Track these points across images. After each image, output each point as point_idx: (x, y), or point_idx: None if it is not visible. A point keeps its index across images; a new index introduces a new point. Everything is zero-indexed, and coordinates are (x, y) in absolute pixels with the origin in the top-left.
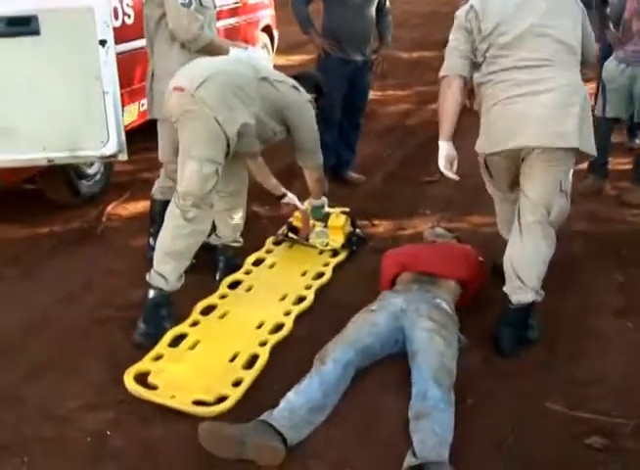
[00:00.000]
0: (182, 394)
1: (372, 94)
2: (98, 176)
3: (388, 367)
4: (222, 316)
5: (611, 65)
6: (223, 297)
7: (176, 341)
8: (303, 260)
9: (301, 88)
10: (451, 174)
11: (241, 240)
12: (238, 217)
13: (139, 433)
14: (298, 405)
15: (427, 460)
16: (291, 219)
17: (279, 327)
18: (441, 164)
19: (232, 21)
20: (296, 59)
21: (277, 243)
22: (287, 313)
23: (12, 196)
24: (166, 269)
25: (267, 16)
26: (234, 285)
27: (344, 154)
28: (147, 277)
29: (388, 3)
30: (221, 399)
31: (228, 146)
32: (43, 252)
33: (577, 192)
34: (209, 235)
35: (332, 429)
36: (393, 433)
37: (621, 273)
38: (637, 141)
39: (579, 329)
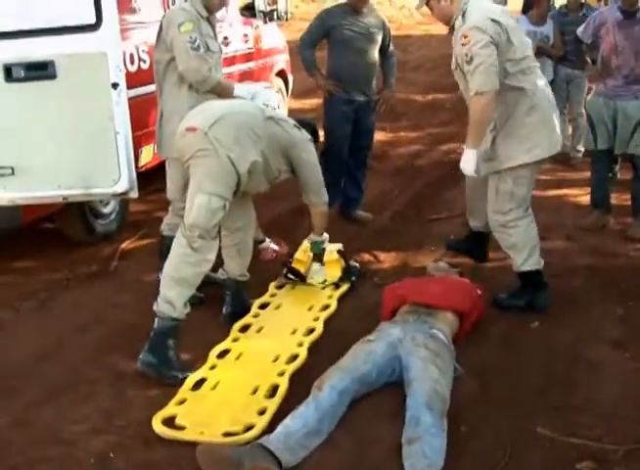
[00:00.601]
0: (211, 429)
1: (384, 135)
2: (113, 215)
3: (385, 395)
4: (238, 357)
5: (593, 100)
6: (235, 340)
7: (197, 386)
8: (308, 297)
9: (302, 129)
10: (475, 174)
11: (247, 274)
12: (244, 253)
13: (141, 456)
14: (294, 430)
15: None
16: (290, 261)
17: (294, 358)
18: (470, 169)
19: (247, 65)
20: (309, 103)
21: (279, 287)
22: (300, 345)
23: (31, 234)
24: (173, 295)
25: (282, 61)
26: (244, 329)
27: (352, 192)
28: (154, 307)
29: (391, 46)
30: (249, 429)
31: (238, 183)
32: (58, 287)
33: (581, 227)
34: (216, 270)
35: (326, 452)
36: (386, 458)
37: (621, 306)
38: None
39: (575, 358)
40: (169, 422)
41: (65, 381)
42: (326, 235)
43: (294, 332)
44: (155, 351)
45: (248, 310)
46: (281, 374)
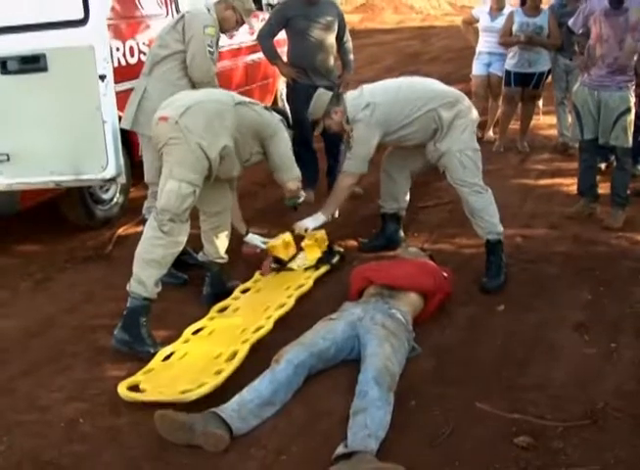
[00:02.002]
0: (169, 388)
1: None
2: (113, 201)
3: (341, 370)
4: (210, 333)
5: (579, 90)
6: (212, 319)
7: (167, 358)
8: (287, 280)
9: (273, 111)
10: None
11: (225, 257)
12: (222, 236)
13: (107, 421)
14: (248, 400)
15: (353, 450)
16: (269, 251)
17: (260, 329)
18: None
19: (251, 57)
20: None
21: (265, 273)
22: (268, 317)
23: (34, 218)
24: (144, 275)
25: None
26: (223, 310)
27: (334, 167)
28: (127, 286)
29: (347, 33)
30: (203, 386)
31: (209, 169)
32: (55, 268)
33: (567, 216)
34: (197, 252)
35: (278, 421)
36: (334, 428)
37: (591, 292)
38: (602, 165)
39: (534, 341)
40: (135, 389)
41: (48, 355)
42: (302, 193)
43: (266, 308)
44: (128, 328)
45: (228, 292)
46: (244, 342)
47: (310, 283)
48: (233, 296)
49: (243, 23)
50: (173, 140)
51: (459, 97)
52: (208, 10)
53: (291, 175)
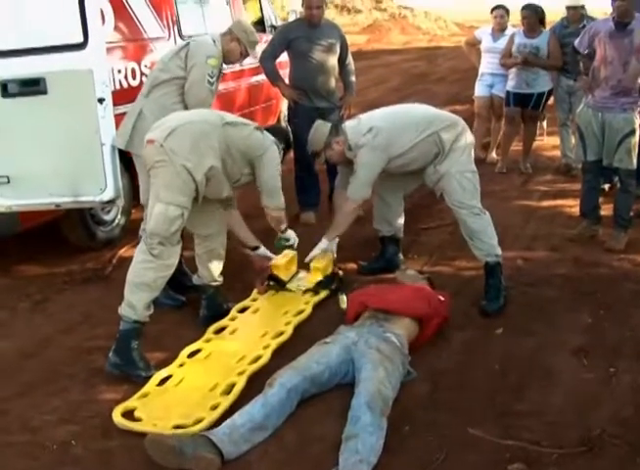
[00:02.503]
0: (163, 421)
1: None
2: (115, 222)
3: (335, 394)
4: (207, 357)
5: (583, 111)
6: (208, 341)
7: (163, 382)
8: (285, 302)
9: (265, 132)
10: None
11: (219, 279)
12: (216, 260)
13: (99, 444)
14: (240, 424)
15: None
16: (270, 268)
17: (258, 359)
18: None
19: (255, 79)
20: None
21: (263, 291)
22: (265, 347)
23: (35, 238)
24: (134, 299)
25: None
26: (220, 330)
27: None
28: (119, 310)
29: (349, 55)
30: (199, 423)
31: (196, 191)
32: (54, 289)
33: (569, 238)
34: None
35: (269, 446)
36: (325, 453)
37: (591, 315)
38: (606, 186)
39: (532, 365)
40: (129, 414)
41: (43, 376)
42: (291, 233)
43: (264, 335)
44: (120, 352)
45: (224, 313)
46: (241, 373)
47: (309, 309)
48: (230, 316)
49: (247, 54)
50: (159, 163)
51: (456, 120)
52: (214, 41)
53: (272, 203)
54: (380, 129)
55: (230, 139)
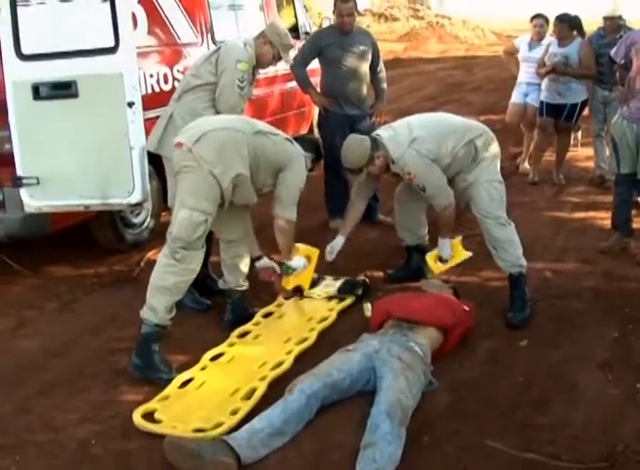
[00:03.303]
0: (183, 424)
1: None
2: (144, 225)
3: (355, 402)
4: (229, 361)
5: (618, 122)
6: (232, 345)
7: (185, 384)
8: (311, 309)
9: (296, 143)
10: None
11: (245, 284)
12: (242, 265)
13: (119, 445)
14: (259, 429)
15: None
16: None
17: (280, 365)
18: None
19: (288, 85)
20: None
21: (287, 298)
22: (288, 352)
23: (66, 240)
24: (155, 303)
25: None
26: (244, 335)
27: (369, 202)
28: (140, 313)
29: (381, 62)
30: (218, 427)
31: (222, 197)
32: (83, 290)
33: (600, 250)
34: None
35: (287, 452)
36: (344, 461)
37: (618, 329)
38: (639, 198)
39: (556, 378)
40: (150, 416)
41: (67, 375)
42: (301, 261)
43: (287, 340)
44: (141, 354)
45: (248, 318)
46: (262, 379)
47: (334, 316)
48: (254, 321)
49: (280, 58)
50: (187, 168)
51: (486, 129)
52: (245, 45)
53: (285, 213)
54: (424, 138)
55: (259, 148)
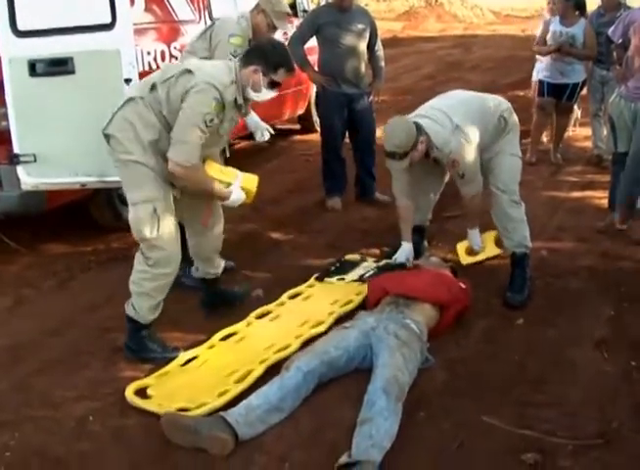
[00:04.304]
0: (169, 401)
1: None
2: None
3: (352, 379)
4: (239, 341)
5: (615, 101)
6: (249, 325)
7: (188, 362)
8: (338, 291)
9: (200, 70)
10: None
11: (217, 271)
12: (210, 253)
13: (116, 421)
14: (256, 405)
15: (355, 460)
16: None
17: (285, 348)
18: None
19: None
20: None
21: (319, 278)
22: (298, 336)
23: (63, 218)
24: (137, 304)
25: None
26: (264, 315)
27: (366, 180)
28: (125, 305)
29: (378, 41)
30: (202, 407)
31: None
32: (80, 268)
33: (597, 230)
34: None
35: (285, 429)
36: (340, 437)
37: (615, 308)
38: None
39: (552, 356)
40: (143, 391)
41: (65, 353)
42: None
43: (303, 323)
44: (131, 339)
45: (227, 302)
46: (262, 362)
47: (359, 299)
48: (279, 301)
49: (275, 27)
50: (114, 163)
51: (508, 103)
52: (241, 18)
53: (173, 154)
54: (466, 124)
55: (161, 104)
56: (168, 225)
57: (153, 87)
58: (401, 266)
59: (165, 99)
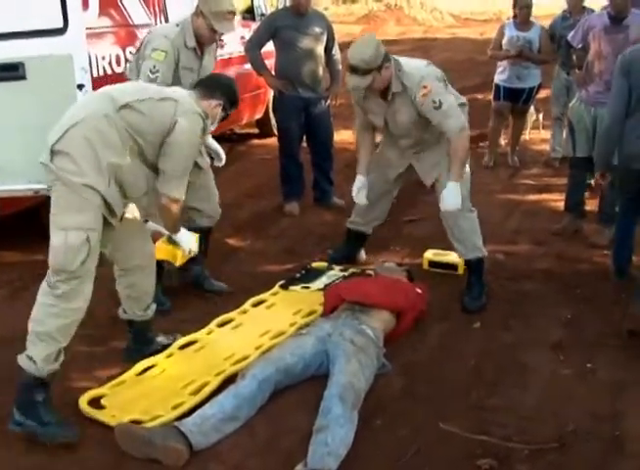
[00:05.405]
0: (122, 413)
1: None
2: None
3: (308, 386)
4: (198, 350)
5: (575, 105)
6: (209, 333)
7: (145, 371)
8: (302, 301)
9: (183, 99)
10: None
11: (146, 314)
12: (141, 294)
13: None
14: (210, 414)
15: (311, 468)
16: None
17: (244, 359)
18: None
19: (243, 67)
20: None
21: (284, 286)
22: (257, 347)
23: (13, 226)
24: (34, 352)
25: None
26: (225, 323)
27: (323, 185)
28: (18, 357)
29: (335, 45)
30: (155, 420)
31: (106, 203)
32: (32, 276)
33: (552, 232)
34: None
35: (240, 437)
36: (296, 445)
37: (571, 310)
38: (592, 181)
39: (508, 360)
40: (97, 401)
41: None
42: (183, 232)
43: (264, 333)
44: (22, 407)
45: (152, 350)
46: (218, 374)
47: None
48: (241, 309)
49: (215, 31)
50: (50, 184)
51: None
52: (176, 25)
53: (168, 189)
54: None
55: (131, 126)
56: (94, 260)
57: (124, 107)
58: (364, 275)
59: (139, 122)
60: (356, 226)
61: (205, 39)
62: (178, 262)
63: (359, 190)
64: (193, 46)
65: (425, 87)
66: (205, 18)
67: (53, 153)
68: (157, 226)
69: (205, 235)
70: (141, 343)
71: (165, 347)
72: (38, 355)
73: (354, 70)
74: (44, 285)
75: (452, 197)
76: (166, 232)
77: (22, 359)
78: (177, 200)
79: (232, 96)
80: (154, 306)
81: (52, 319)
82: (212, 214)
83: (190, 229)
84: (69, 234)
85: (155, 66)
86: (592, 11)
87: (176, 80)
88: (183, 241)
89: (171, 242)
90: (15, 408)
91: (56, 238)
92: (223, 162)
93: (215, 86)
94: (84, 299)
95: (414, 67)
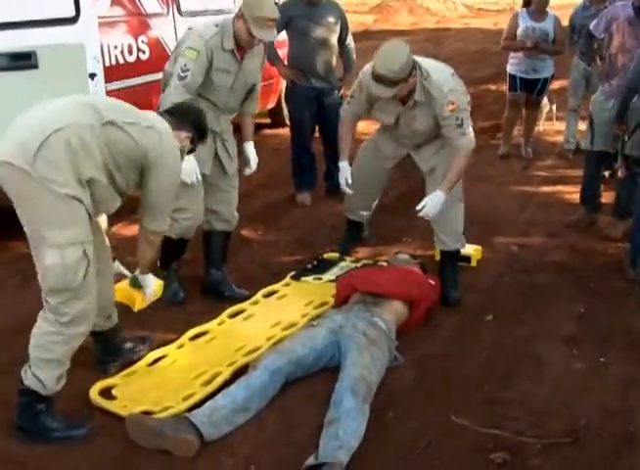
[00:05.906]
0: (134, 404)
1: None
2: None
3: (319, 379)
4: (209, 341)
5: (598, 99)
6: (220, 324)
7: (156, 362)
8: (315, 292)
9: (166, 131)
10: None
11: (109, 324)
12: (105, 301)
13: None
14: (221, 405)
15: (322, 461)
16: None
17: (255, 350)
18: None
19: None
20: None
21: (295, 277)
22: (269, 338)
23: None
24: (42, 375)
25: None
26: (236, 314)
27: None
28: (22, 372)
29: (349, 35)
30: (166, 410)
31: (88, 213)
32: None
33: (566, 224)
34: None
35: (251, 429)
36: (307, 437)
37: (584, 304)
38: (606, 173)
39: (521, 354)
40: (108, 392)
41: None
42: (150, 276)
43: (275, 324)
44: (25, 417)
45: (121, 355)
46: (230, 364)
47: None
48: (252, 300)
49: (253, 35)
50: (30, 194)
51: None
52: (216, 25)
53: (155, 225)
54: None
55: (112, 145)
56: (93, 273)
57: (110, 123)
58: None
59: (122, 142)
60: (357, 216)
61: (243, 43)
62: (136, 308)
63: (347, 180)
64: (230, 48)
65: (452, 103)
66: (245, 21)
67: (34, 158)
68: (122, 268)
69: (223, 240)
70: (110, 352)
71: (138, 352)
72: (48, 379)
73: (381, 79)
74: (47, 314)
75: (434, 205)
76: (130, 275)
77: (29, 379)
78: (157, 233)
79: (201, 128)
80: (115, 316)
81: (59, 346)
82: (229, 218)
83: (206, 233)
84: (66, 252)
85: (186, 64)
86: (613, 0)
87: (208, 81)
88: (147, 284)
89: (134, 284)
90: (17, 416)
91: (50, 257)
92: (253, 170)
93: (184, 117)
94: (90, 321)
95: (441, 77)
